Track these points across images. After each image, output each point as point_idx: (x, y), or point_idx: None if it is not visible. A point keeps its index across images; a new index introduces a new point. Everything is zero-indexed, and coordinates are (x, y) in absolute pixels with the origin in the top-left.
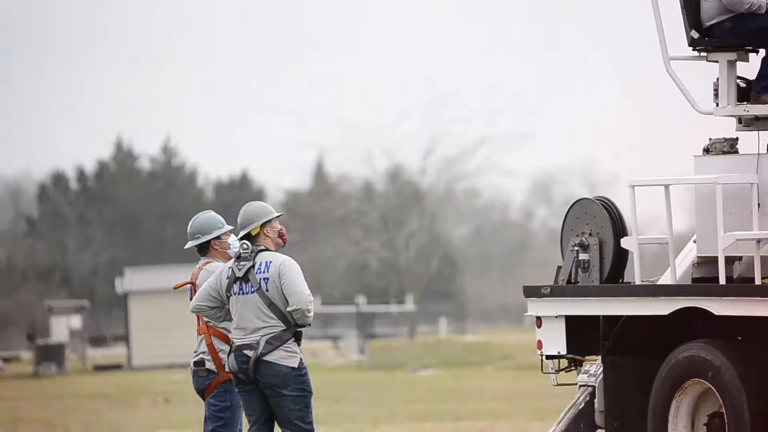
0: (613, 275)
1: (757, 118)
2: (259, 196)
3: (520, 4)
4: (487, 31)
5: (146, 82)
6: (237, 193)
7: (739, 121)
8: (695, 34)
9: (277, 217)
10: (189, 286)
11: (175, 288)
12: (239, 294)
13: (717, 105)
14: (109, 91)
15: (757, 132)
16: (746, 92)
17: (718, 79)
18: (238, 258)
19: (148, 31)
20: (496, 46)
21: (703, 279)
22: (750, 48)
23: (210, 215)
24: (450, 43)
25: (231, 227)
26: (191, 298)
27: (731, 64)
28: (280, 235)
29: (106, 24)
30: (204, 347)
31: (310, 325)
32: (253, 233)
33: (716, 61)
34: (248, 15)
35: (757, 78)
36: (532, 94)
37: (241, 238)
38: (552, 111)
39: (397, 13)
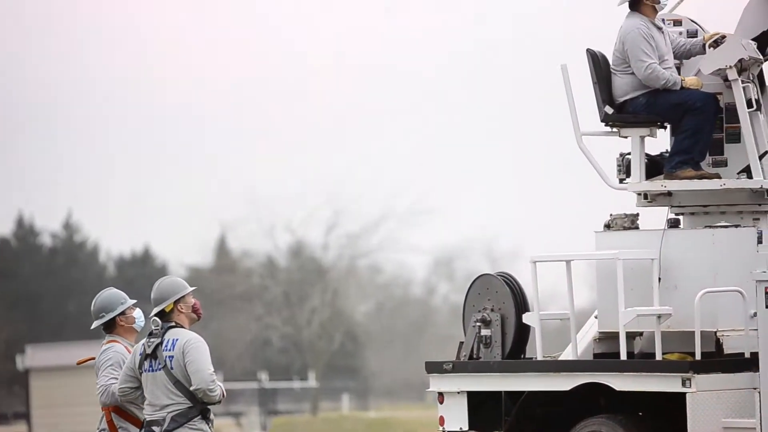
0: (515, 351)
1: (669, 194)
2: (162, 271)
3: (420, 79)
4: (388, 107)
5: (47, 157)
6: (139, 269)
7: (645, 197)
8: (609, 110)
9: (190, 292)
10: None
11: (78, 363)
12: (149, 371)
13: (621, 180)
14: (9, 167)
15: (667, 207)
16: (649, 167)
17: (621, 154)
18: (150, 334)
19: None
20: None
21: (605, 354)
22: (662, 124)
23: (111, 292)
24: (353, 117)
25: (134, 301)
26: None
27: (642, 139)
28: (194, 310)
29: None
30: (104, 424)
31: (219, 402)
32: (167, 309)
33: (627, 137)
34: (150, 91)
35: (670, 153)
36: (434, 170)
37: (156, 315)
38: (454, 186)
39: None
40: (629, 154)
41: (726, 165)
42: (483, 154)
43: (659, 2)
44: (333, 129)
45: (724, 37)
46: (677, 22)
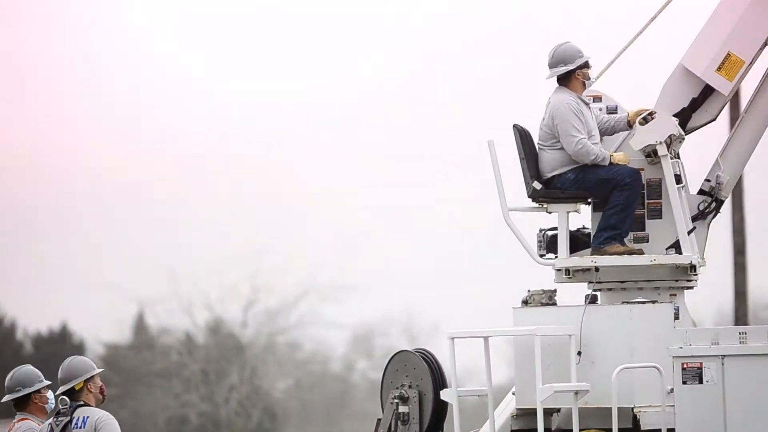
0: (433, 427)
1: (597, 269)
2: (80, 349)
3: (339, 157)
4: (307, 183)
5: None
6: (56, 346)
7: (567, 273)
8: (538, 185)
9: (98, 373)
10: None
11: None
12: None
13: (542, 255)
14: None
15: (585, 283)
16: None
17: (541, 230)
18: (57, 413)
19: None
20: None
21: (522, 431)
22: (590, 199)
23: (29, 368)
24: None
25: (49, 382)
26: None
27: (567, 215)
28: (101, 391)
29: None
30: None
31: None
32: (77, 388)
33: (554, 212)
34: (65, 171)
35: (598, 229)
36: (353, 246)
37: (63, 393)
38: (372, 262)
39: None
40: (550, 229)
41: (647, 241)
42: (402, 231)
43: (589, 78)
44: (251, 206)
45: (652, 113)
46: (597, 98)
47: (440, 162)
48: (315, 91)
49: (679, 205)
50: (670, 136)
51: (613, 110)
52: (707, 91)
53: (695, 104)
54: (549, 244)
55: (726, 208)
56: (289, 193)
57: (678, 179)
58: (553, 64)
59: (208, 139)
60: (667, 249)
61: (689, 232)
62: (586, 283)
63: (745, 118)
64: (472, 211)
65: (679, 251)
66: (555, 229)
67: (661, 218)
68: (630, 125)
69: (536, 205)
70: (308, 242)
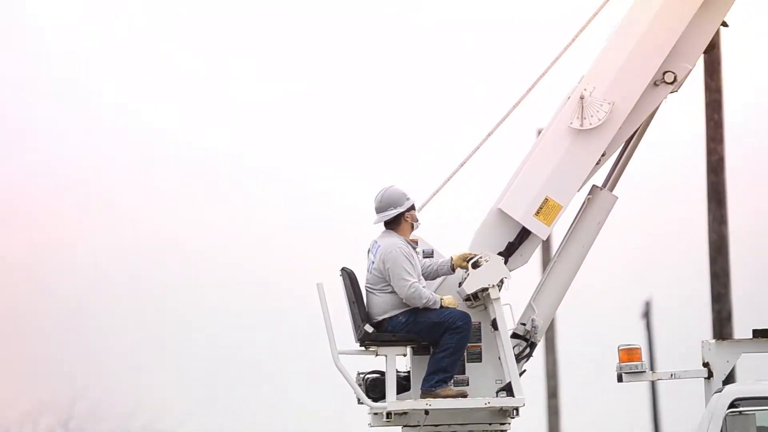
0: None
1: (427, 412)
2: None
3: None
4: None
5: None
6: None
7: (389, 416)
8: (370, 328)
9: None
10: None
11: None
12: None
13: (369, 397)
14: None
15: (400, 427)
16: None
17: (360, 373)
18: None
19: None
20: None
21: None
22: (421, 342)
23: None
24: None
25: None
26: None
27: (395, 358)
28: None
29: None
30: None
31: None
32: None
33: (384, 355)
34: None
35: (429, 372)
36: (163, 389)
37: None
38: (183, 407)
39: None
40: (370, 373)
41: (467, 384)
42: (210, 376)
43: (417, 220)
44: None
45: (483, 256)
46: (413, 242)
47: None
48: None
49: (510, 346)
50: (501, 280)
51: (429, 254)
52: (524, 236)
53: (512, 248)
54: (370, 387)
55: (539, 351)
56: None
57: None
58: (381, 208)
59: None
60: (498, 392)
61: (521, 375)
62: (400, 427)
63: (557, 262)
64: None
65: (510, 393)
66: (375, 372)
67: (480, 361)
68: (453, 269)
69: (367, 348)
70: (124, 384)
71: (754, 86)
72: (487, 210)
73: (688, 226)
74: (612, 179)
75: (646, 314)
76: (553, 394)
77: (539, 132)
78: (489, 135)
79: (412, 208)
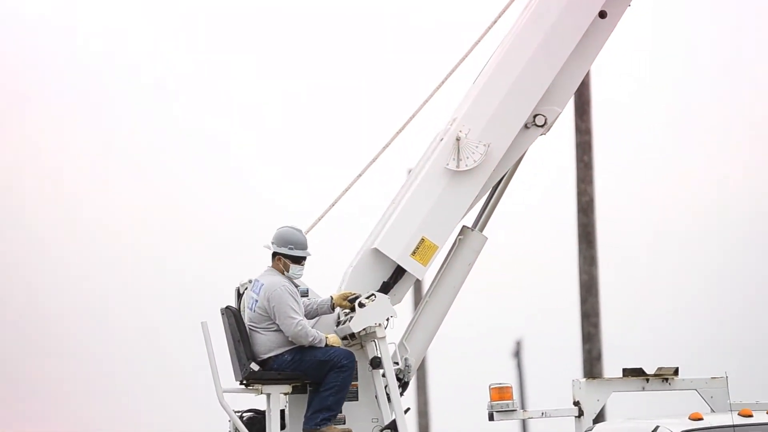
0: None
1: None
2: None
3: None
4: None
5: None
6: None
7: None
8: (256, 367)
9: None
10: None
11: None
12: None
13: None
14: None
15: None
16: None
17: (237, 411)
18: None
19: None
20: None
21: None
22: (306, 380)
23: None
24: None
25: None
26: None
27: (278, 397)
28: None
29: None
30: None
31: None
32: None
33: (268, 393)
34: None
35: (313, 410)
36: None
37: None
38: None
39: None
40: (246, 411)
41: (344, 423)
42: None
43: (300, 272)
44: None
45: (370, 296)
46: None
47: None
48: None
49: (395, 384)
50: (387, 318)
51: (304, 293)
52: (398, 275)
53: (386, 288)
54: (247, 426)
55: (410, 389)
56: None
57: (395, 361)
58: (282, 244)
59: None
60: (382, 430)
61: (405, 412)
62: None
63: (429, 301)
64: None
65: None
66: (251, 411)
67: (357, 400)
68: (333, 308)
69: (251, 387)
70: None
71: (622, 130)
72: (357, 249)
73: (559, 266)
74: (482, 220)
75: (518, 353)
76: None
77: (410, 171)
78: (358, 177)
79: (304, 260)
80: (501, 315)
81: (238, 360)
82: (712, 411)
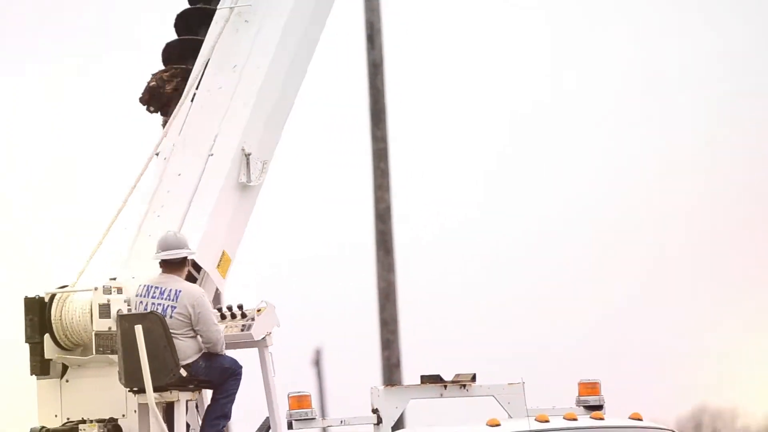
0: None
1: None
2: None
3: None
4: None
5: None
6: None
7: None
8: (184, 372)
9: None
10: None
11: None
12: None
13: None
14: None
15: None
16: None
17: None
18: None
19: None
20: None
21: None
22: (212, 386)
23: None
24: None
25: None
26: None
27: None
28: None
29: None
30: None
31: None
32: None
33: (177, 400)
34: None
35: (213, 416)
36: None
37: None
38: None
39: None
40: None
41: None
42: None
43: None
44: None
45: (260, 308)
46: None
47: None
48: None
49: (276, 392)
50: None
51: None
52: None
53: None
54: None
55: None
56: None
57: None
58: (179, 246)
59: None
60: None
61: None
62: None
63: None
64: None
65: None
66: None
67: None
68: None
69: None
70: None
71: (419, 135)
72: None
73: (358, 274)
74: None
75: (317, 361)
76: None
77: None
78: (119, 211)
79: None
80: (300, 323)
81: (163, 365)
82: (510, 417)
